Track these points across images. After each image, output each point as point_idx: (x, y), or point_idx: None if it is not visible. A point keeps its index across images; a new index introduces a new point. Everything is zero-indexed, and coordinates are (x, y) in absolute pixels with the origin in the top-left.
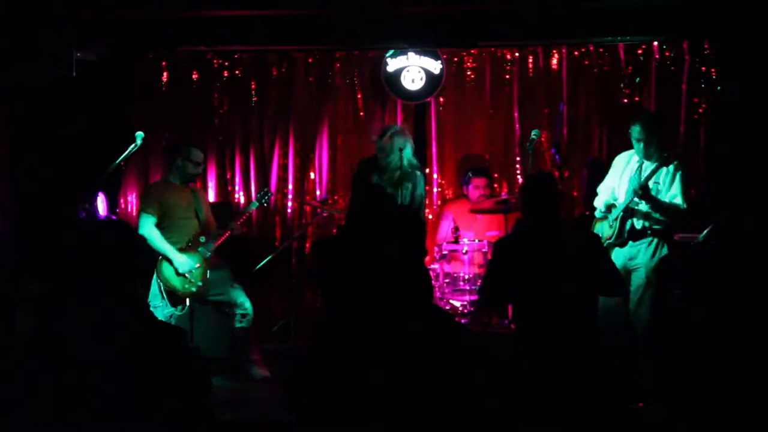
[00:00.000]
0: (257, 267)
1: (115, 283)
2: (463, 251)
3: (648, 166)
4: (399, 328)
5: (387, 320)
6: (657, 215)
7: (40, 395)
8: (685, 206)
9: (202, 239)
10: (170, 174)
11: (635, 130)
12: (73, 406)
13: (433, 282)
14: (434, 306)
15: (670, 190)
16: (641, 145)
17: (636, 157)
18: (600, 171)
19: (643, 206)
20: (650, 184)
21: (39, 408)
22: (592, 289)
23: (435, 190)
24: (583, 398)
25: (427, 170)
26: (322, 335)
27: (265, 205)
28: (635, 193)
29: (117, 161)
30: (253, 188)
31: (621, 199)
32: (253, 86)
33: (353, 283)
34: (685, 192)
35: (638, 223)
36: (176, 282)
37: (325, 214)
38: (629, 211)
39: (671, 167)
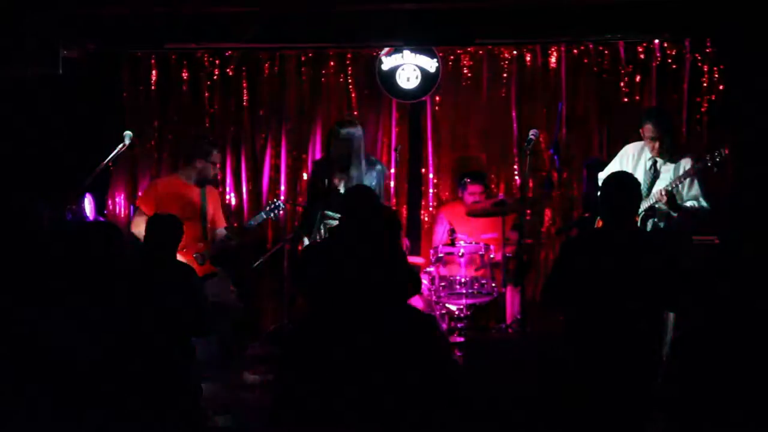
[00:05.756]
0: (254, 265)
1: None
2: (459, 254)
3: (667, 168)
4: (372, 327)
5: (361, 320)
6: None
7: (35, 396)
8: (709, 207)
9: (199, 246)
10: (183, 172)
11: (648, 129)
12: (67, 406)
13: (429, 285)
14: (409, 306)
15: (689, 191)
16: (655, 143)
17: (649, 153)
18: (600, 171)
19: (664, 207)
20: (672, 188)
21: (36, 406)
22: (657, 302)
23: (431, 191)
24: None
25: (423, 171)
26: (297, 335)
27: (274, 218)
28: (660, 200)
29: (105, 161)
30: (244, 189)
31: None
32: (244, 85)
33: (330, 285)
34: (706, 191)
35: (661, 223)
36: None
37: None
38: (651, 210)
39: (689, 168)
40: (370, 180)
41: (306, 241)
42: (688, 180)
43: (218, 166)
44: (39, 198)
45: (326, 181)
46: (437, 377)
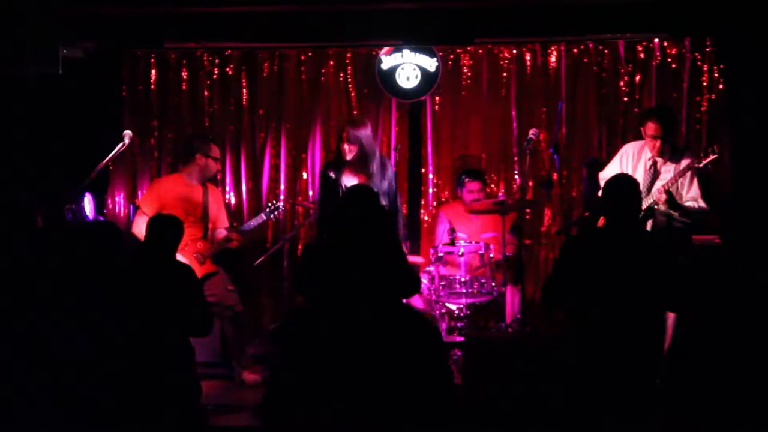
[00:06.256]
0: (254, 264)
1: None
2: (459, 253)
3: (667, 168)
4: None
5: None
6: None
7: (35, 396)
8: (707, 207)
9: (199, 245)
10: (185, 171)
11: (651, 126)
12: (67, 405)
13: (429, 284)
14: (404, 305)
15: (688, 191)
16: (657, 142)
17: (649, 153)
18: (599, 171)
19: (663, 206)
20: (671, 187)
21: (36, 406)
22: (657, 301)
23: (430, 190)
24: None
25: (423, 170)
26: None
27: (274, 219)
28: (659, 199)
29: (104, 161)
30: (244, 188)
31: None
32: (244, 84)
33: (330, 285)
34: (705, 192)
35: (660, 221)
36: None
37: (317, 216)
38: (651, 210)
39: (683, 166)
40: (388, 180)
41: None
42: (687, 180)
43: (218, 161)
44: (35, 197)
45: (339, 183)
46: (434, 379)
